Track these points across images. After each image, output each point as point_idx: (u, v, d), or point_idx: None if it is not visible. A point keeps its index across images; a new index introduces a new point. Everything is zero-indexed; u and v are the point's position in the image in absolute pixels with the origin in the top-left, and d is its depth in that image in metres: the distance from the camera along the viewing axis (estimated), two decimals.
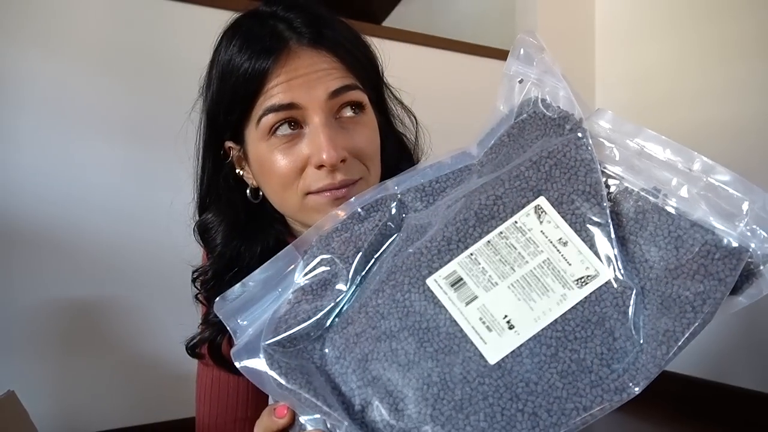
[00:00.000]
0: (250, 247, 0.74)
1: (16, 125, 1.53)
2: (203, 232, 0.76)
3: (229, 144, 0.73)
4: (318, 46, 0.66)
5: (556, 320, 0.44)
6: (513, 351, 0.43)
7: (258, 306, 0.49)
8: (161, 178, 1.69)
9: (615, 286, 0.44)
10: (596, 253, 0.45)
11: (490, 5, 2.82)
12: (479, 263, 0.46)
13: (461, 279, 0.45)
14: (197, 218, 0.78)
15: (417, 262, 0.46)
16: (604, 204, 0.45)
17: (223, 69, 0.68)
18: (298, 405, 0.44)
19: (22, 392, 0.73)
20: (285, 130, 0.65)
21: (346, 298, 0.48)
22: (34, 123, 1.55)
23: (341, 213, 0.51)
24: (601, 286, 0.44)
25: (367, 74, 0.72)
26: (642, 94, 2.36)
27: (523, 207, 0.46)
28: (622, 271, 0.44)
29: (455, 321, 0.44)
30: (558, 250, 0.45)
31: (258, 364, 0.45)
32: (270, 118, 0.65)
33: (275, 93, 0.64)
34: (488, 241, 0.46)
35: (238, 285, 0.49)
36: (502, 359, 0.43)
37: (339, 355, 0.46)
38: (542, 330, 0.43)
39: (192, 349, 0.76)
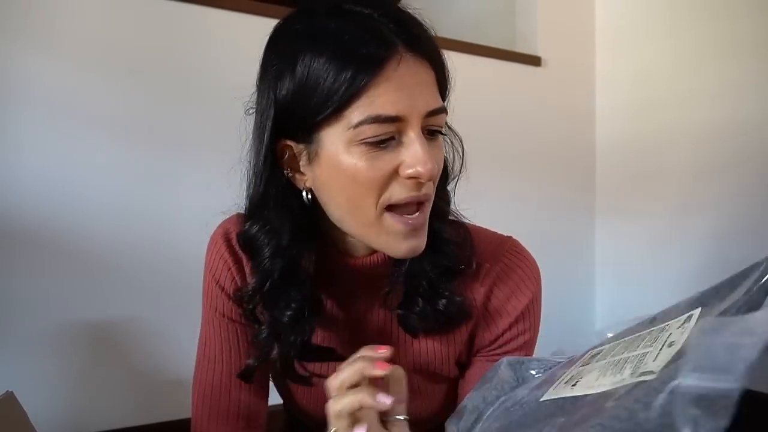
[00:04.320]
0: (299, 260, 0.70)
1: (19, 125, 1.52)
2: (251, 241, 0.71)
3: (288, 142, 0.66)
4: (420, 55, 0.63)
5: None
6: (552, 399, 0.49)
7: None
8: (163, 178, 1.69)
9: None
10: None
11: (490, 5, 2.81)
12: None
13: None
14: (246, 226, 0.72)
15: None
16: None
17: (313, 68, 0.61)
18: None
19: (22, 392, 0.73)
20: (380, 139, 0.61)
21: None
22: (36, 122, 1.53)
23: None
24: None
25: (446, 91, 0.69)
26: (642, 94, 2.36)
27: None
28: None
29: None
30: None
31: None
32: (373, 128, 0.60)
33: (382, 102, 0.60)
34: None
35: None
36: (544, 399, 0.50)
37: None
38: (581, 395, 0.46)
39: (246, 377, 0.77)
